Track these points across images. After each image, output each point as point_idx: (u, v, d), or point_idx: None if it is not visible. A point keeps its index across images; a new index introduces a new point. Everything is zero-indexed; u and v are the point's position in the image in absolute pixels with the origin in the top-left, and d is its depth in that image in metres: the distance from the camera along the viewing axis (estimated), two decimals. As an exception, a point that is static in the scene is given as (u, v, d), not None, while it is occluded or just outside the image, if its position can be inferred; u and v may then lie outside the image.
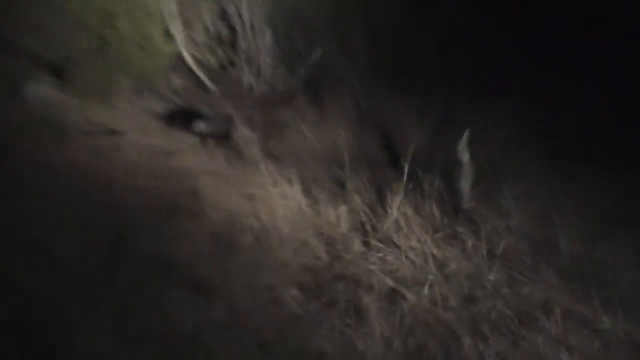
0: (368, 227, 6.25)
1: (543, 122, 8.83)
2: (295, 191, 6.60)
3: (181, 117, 9.74)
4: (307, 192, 6.70)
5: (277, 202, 6.48)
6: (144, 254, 6.08)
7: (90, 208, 6.92)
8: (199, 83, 11.36)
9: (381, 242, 5.97)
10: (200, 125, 9.29)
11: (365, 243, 6.04)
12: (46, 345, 4.78)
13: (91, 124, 9.91)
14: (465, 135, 6.90)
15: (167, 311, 5.19)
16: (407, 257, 5.74)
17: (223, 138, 9.02)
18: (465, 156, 6.90)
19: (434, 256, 5.74)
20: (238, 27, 11.20)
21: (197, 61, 11.33)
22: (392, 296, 5.39)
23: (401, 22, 10.62)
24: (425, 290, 5.35)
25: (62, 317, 5.00)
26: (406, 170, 6.49)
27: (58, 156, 8.31)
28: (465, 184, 6.89)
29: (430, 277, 5.48)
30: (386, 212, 6.32)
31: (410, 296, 5.30)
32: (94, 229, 6.47)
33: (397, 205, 6.27)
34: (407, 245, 5.85)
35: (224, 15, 11.28)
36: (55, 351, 4.77)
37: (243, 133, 9.16)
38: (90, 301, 5.25)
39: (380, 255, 5.81)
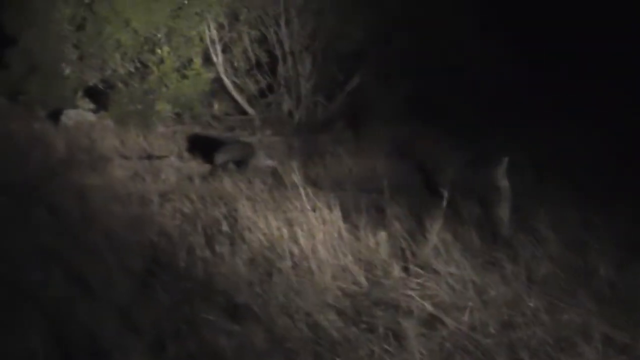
0: (407, 253, 6.23)
1: (576, 149, 8.95)
2: (334, 216, 6.59)
3: (204, 145, 9.85)
4: (346, 217, 6.70)
5: (316, 227, 6.46)
6: (180, 278, 6.14)
7: (126, 231, 7.06)
8: (239, 109, 11.48)
9: (421, 268, 5.95)
10: (221, 155, 9.42)
11: (405, 269, 6.03)
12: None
13: (128, 148, 10.06)
14: (503, 162, 6.99)
15: (204, 336, 5.17)
16: (446, 283, 5.70)
17: (242, 165, 9.18)
18: (503, 183, 7.00)
19: (473, 282, 5.71)
20: (278, 53, 11.31)
21: (237, 87, 11.47)
22: (432, 322, 5.32)
23: (438, 52, 10.72)
24: (465, 316, 5.30)
25: (98, 342, 5.02)
26: (445, 197, 6.59)
27: (96, 180, 8.50)
28: (503, 211, 6.98)
29: (470, 303, 5.44)
30: (425, 238, 6.34)
31: (450, 322, 5.24)
32: (129, 251, 6.56)
33: (436, 232, 6.30)
34: (446, 271, 5.82)
35: (263, 42, 11.38)
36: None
37: (262, 161, 9.26)
38: (126, 325, 5.29)
39: (419, 281, 5.78)
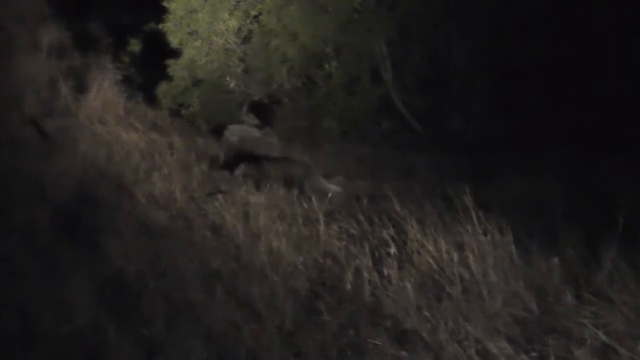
0: (581, 280, 6.31)
1: None
2: (506, 240, 6.70)
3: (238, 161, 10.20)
4: (518, 241, 6.76)
5: (487, 251, 6.61)
6: (346, 300, 6.48)
7: (291, 251, 7.49)
8: (407, 127, 11.65)
9: (594, 295, 6.02)
10: (243, 169, 9.80)
11: (578, 296, 6.10)
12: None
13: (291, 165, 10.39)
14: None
15: (370, 360, 5.40)
16: (620, 311, 5.75)
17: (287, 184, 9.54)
18: (682, 208, 7.05)
19: (648, 311, 5.76)
20: (449, 70, 11.43)
21: (406, 104, 11.65)
22: (605, 351, 5.42)
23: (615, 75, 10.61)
24: (639, 346, 5.37)
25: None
26: (621, 223, 6.53)
27: (260, 197, 9.00)
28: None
29: (644, 332, 5.49)
30: (599, 264, 6.37)
31: (623, 351, 5.33)
32: (294, 272, 7.04)
33: (610, 258, 6.32)
34: (620, 300, 5.87)
35: (434, 58, 11.53)
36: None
37: (322, 184, 9.52)
38: (290, 349, 5.70)
39: (592, 308, 5.87)
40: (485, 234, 6.86)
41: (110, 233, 7.56)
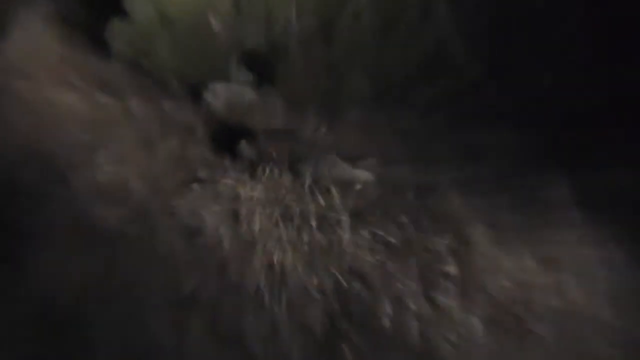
0: None
1: None
2: (618, 255, 6.64)
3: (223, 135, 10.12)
4: (635, 256, 6.70)
5: (592, 271, 6.55)
6: (382, 343, 6.48)
7: (301, 267, 7.38)
8: (470, 87, 11.60)
9: None
10: (245, 147, 9.59)
11: None
12: None
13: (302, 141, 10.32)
14: None
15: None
16: None
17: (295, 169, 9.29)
18: None
19: None
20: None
21: (469, 54, 11.60)
22: None
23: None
24: None
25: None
26: None
27: (252, 189, 8.81)
28: None
29: None
30: None
31: None
32: (305, 299, 6.95)
33: None
34: None
35: None
36: None
37: (344, 170, 9.28)
38: None
39: None
40: (589, 246, 6.76)
41: (34, 239, 7.45)
